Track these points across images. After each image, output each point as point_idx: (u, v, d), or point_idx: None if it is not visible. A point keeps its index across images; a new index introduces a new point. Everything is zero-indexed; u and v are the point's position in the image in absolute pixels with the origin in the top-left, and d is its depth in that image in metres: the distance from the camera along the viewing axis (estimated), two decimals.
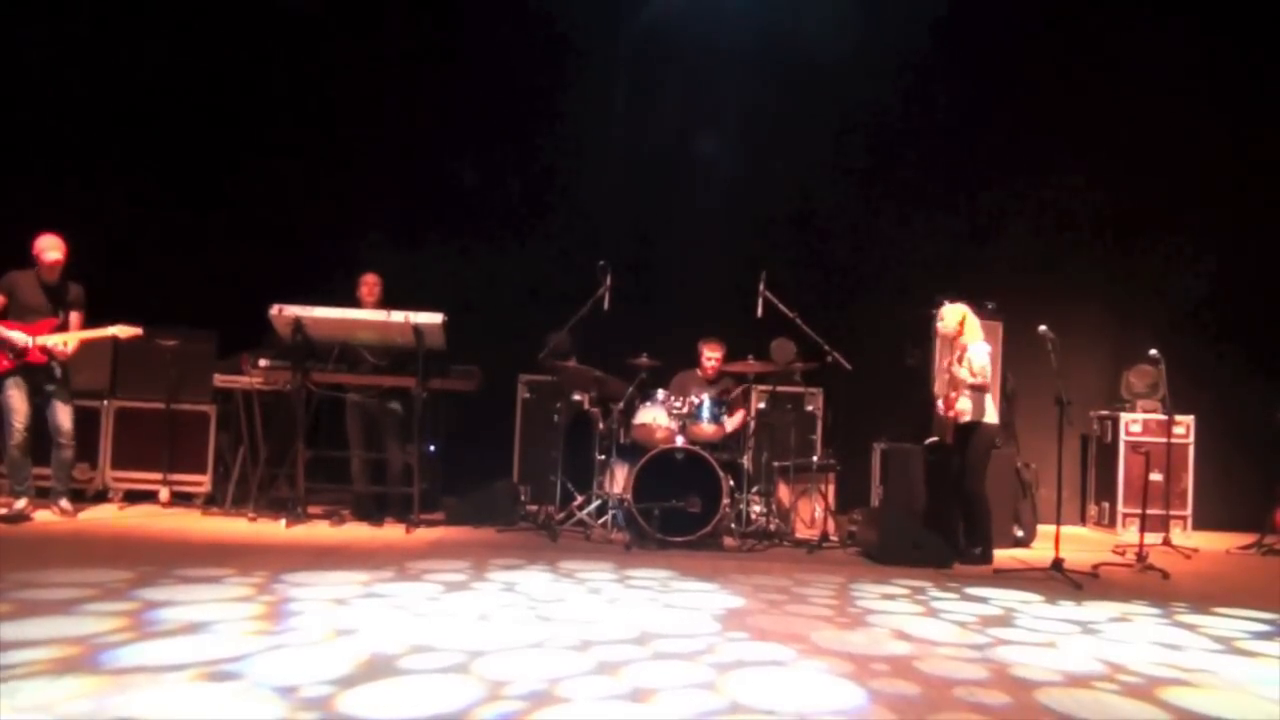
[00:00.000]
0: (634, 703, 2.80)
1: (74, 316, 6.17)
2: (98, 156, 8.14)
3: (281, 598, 3.97)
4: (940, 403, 6.18)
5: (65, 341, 6.05)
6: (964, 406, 5.93)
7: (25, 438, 6.01)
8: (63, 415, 6.14)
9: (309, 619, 3.62)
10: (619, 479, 6.59)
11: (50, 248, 6.06)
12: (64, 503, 6.16)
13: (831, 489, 6.90)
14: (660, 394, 6.51)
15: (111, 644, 3.15)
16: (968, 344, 6.04)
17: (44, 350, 6.02)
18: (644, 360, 6.66)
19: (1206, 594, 5.15)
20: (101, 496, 6.96)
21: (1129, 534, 7.22)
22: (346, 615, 3.72)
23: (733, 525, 6.44)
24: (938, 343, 6.92)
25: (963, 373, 5.92)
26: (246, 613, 3.68)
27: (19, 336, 5.95)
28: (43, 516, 6.05)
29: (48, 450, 6.14)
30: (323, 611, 3.76)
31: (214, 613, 3.63)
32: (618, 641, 3.49)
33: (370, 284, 6.73)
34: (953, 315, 6.15)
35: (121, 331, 6.18)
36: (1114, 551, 6.38)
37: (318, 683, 2.83)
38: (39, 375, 6.06)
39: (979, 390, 5.90)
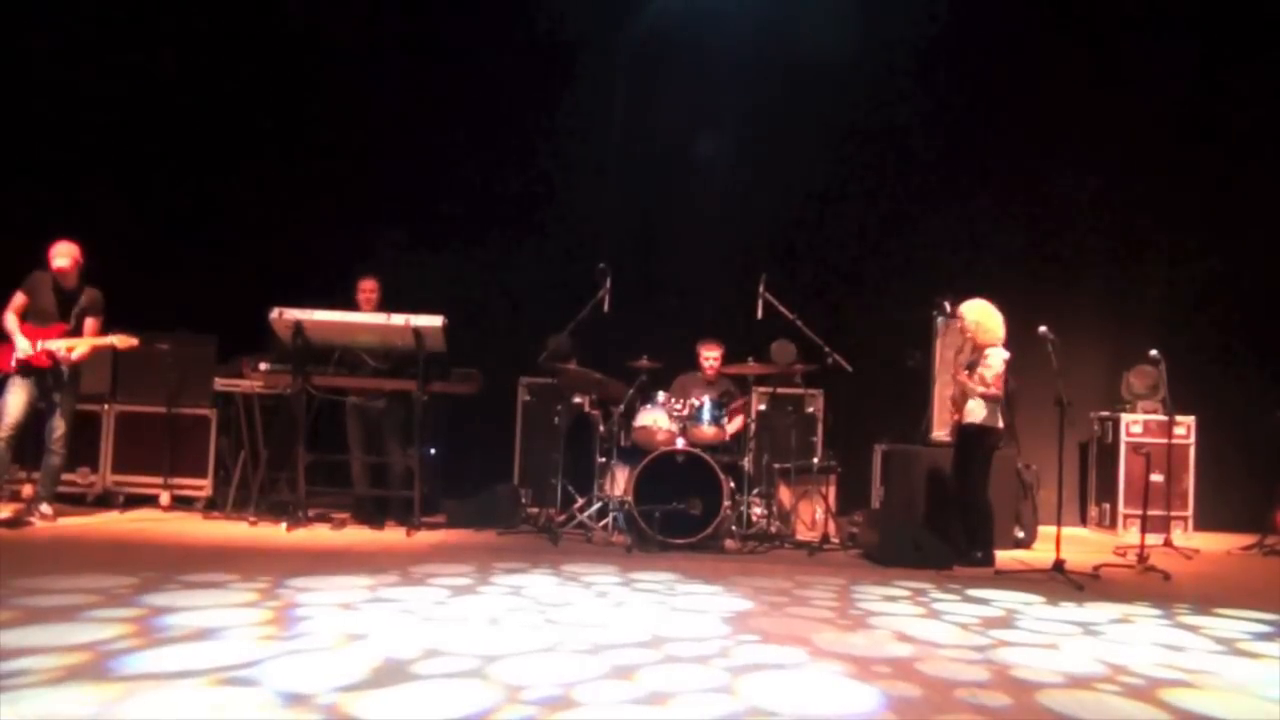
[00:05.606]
0: (652, 706, 2.81)
1: (89, 322, 6.10)
2: (100, 161, 8.13)
3: (288, 603, 3.97)
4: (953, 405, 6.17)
5: (69, 347, 5.99)
6: (972, 407, 5.90)
7: (9, 439, 5.91)
8: (58, 422, 6.07)
9: (318, 624, 3.62)
10: (620, 481, 6.58)
11: (60, 254, 6.02)
12: (44, 507, 6.04)
13: (832, 491, 6.89)
14: (661, 396, 6.50)
15: (118, 651, 3.15)
16: (986, 348, 5.90)
17: (49, 355, 5.98)
18: (644, 362, 6.67)
19: (1208, 595, 5.16)
20: (103, 501, 6.95)
21: (1130, 535, 7.23)
22: (355, 620, 3.73)
23: (733, 527, 6.45)
24: (939, 342, 6.93)
25: (974, 385, 5.86)
26: (254, 618, 3.68)
27: (21, 343, 5.93)
28: None
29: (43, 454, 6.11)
30: (331, 616, 3.76)
31: (221, 619, 3.62)
32: (629, 645, 3.50)
33: (368, 290, 6.69)
34: (969, 313, 5.98)
35: (120, 341, 6.12)
36: (1115, 553, 6.38)
37: (333, 689, 2.83)
38: (45, 379, 6.03)
39: (991, 400, 5.83)
